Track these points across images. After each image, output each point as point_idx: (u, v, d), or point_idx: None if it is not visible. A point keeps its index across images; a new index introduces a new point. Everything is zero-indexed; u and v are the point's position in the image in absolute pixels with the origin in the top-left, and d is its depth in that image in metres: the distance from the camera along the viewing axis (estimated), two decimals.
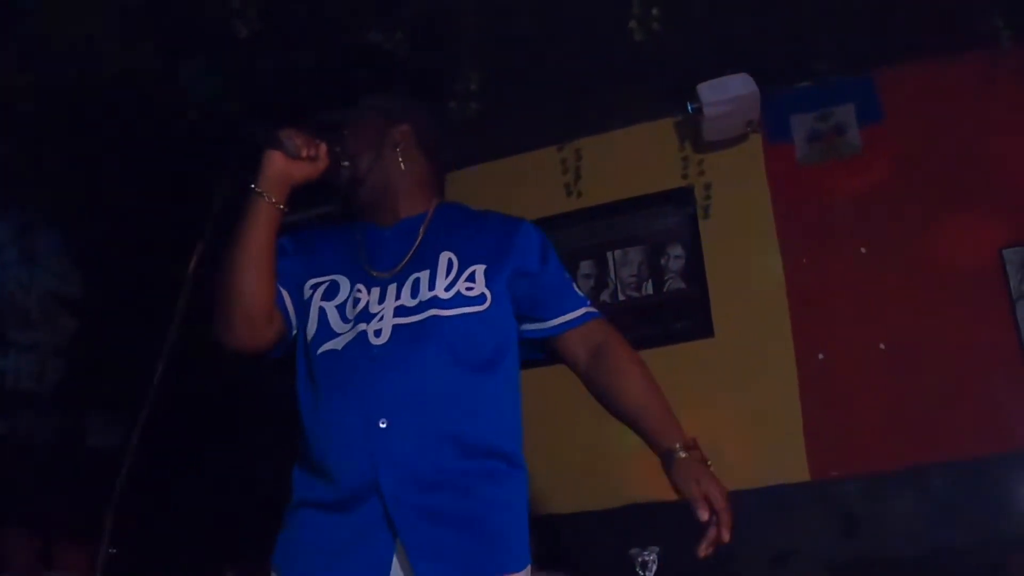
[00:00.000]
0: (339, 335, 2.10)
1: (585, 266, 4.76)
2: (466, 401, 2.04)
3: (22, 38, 3.80)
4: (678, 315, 4.58)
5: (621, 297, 4.69)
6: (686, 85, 4.39)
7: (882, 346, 4.21)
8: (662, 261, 4.66)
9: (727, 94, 4.24)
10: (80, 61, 3.90)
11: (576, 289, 2.23)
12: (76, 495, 4.24)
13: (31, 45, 3.83)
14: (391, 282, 2.13)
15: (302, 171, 2.14)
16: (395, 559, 1.96)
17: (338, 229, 2.35)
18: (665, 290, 4.64)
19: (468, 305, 2.09)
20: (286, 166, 2.12)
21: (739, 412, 4.32)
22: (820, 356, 4.31)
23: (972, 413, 4.02)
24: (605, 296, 4.69)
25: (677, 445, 2.02)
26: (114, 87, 4.01)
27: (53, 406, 5.03)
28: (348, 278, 2.17)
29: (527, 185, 4.93)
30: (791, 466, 4.23)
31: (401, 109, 2.35)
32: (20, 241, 5.14)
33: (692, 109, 4.35)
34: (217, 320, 2.11)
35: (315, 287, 2.18)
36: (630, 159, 4.78)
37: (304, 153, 2.12)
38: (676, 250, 4.64)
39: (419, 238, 2.21)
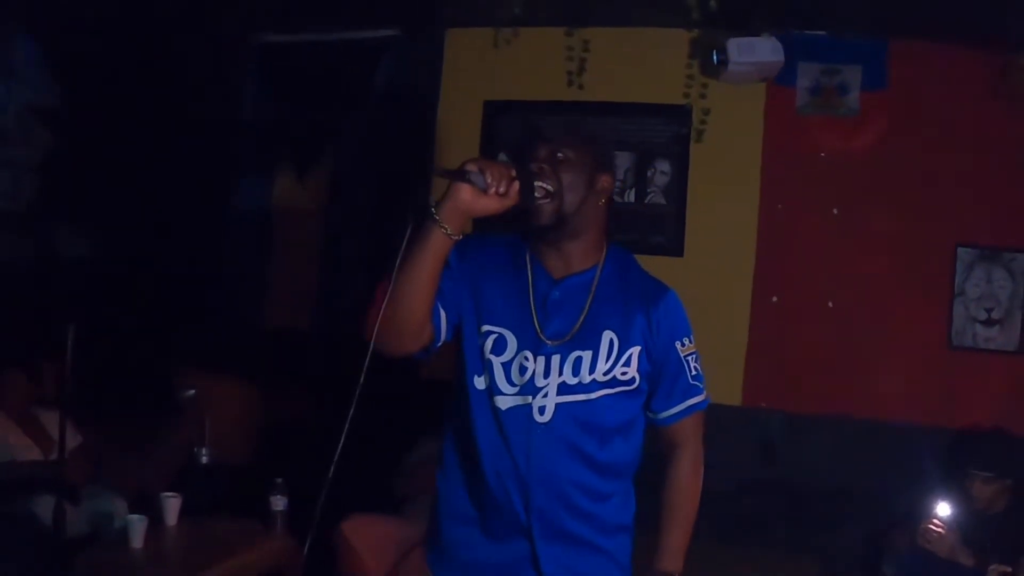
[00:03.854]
0: (504, 394, 2.26)
1: None
2: (605, 459, 2.30)
3: None
4: (654, 229, 4.83)
5: None
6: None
7: (830, 304, 4.64)
8: (648, 173, 4.85)
9: (754, 57, 4.39)
10: None
11: (688, 377, 2.37)
12: (52, 311, 4.15)
13: None
14: (555, 353, 2.24)
15: (487, 206, 2.13)
16: None
17: (505, 252, 2.37)
18: (646, 202, 4.85)
19: (621, 386, 2.27)
20: (471, 200, 2.11)
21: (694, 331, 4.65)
22: (774, 299, 4.70)
23: (893, 383, 4.54)
24: None
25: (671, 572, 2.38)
26: None
27: (28, 224, 4.83)
28: (516, 336, 2.26)
29: (530, 62, 4.95)
30: (726, 389, 4.62)
31: (606, 156, 2.39)
32: None
33: (717, 60, 4.47)
34: (370, 320, 2.20)
35: (487, 335, 2.27)
36: (636, 63, 4.86)
37: (493, 191, 2.10)
38: (663, 166, 4.83)
39: (587, 307, 2.27)
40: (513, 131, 4.93)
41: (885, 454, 4.46)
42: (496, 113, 5.00)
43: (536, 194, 2.19)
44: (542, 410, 2.23)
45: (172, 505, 4.17)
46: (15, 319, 4.54)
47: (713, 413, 4.50)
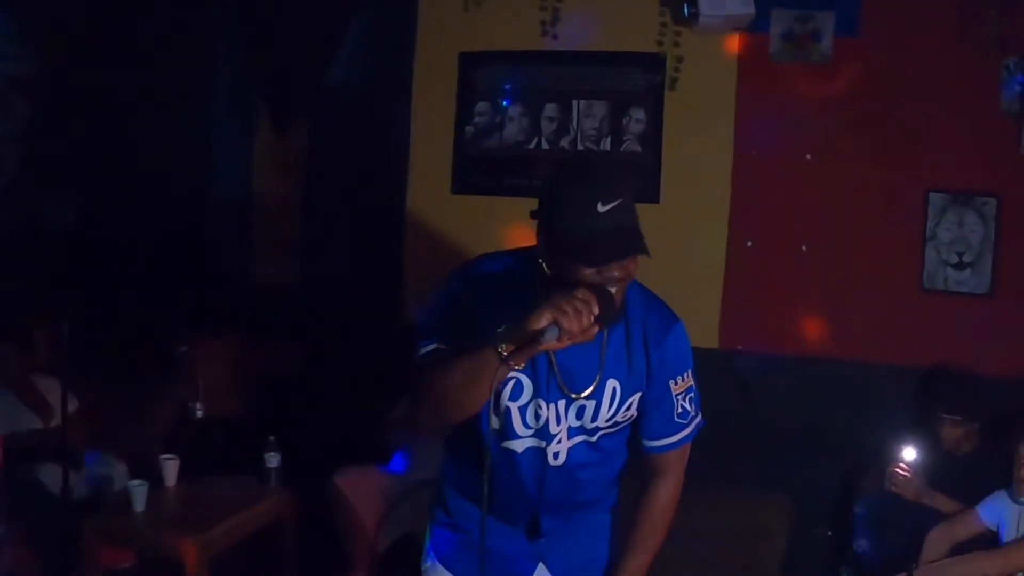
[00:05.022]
0: (520, 437, 2.30)
1: (550, 109, 4.93)
2: (595, 481, 2.42)
3: None
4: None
5: (580, 147, 4.93)
6: None
7: (804, 248, 4.72)
8: (623, 121, 4.88)
9: (724, 11, 4.39)
10: None
11: (675, 415, 2.33)
12: (40, 279, 4.23)
13: None
14: (563, 399, 2.26)
15: (559, 346, 2.02)
16: None
17: (518, 291, 2.17)
18: (622, 150, 4.89)
19: (621, 425, 2.35)
20: (552, 347, 2.00)
21: (668, 276, 4.65)
22: (749, 243, 4.78)
23: (866, 325, 4.66)
24: (565, 143, 4.93)
25: None
26: None
27: (11, 194, 4.84)
28: (531, 383, 2.24)
29: (502, 12, 4.95)
30: (704, 333, 4.73)
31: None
32: None
33: (688, 12, 4.48)
34: (420, 409, 2.23)
35: (506, 381, 2.20)
36: (609, 12, 4.86)
37: (579, 339, 1.98)
38: (638, 114, 4.86)
39: (601, 363, 2.24)
40: (489, 82, 5.00)
41: (857, 394, 4.61)
42: (471, 64, 5.02)
43: (615, 303, 2.06)
44: (556, 455, 2.30)
45: (171, 467, 4.35)
46: (4, 289, 4.63)
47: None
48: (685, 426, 2.36)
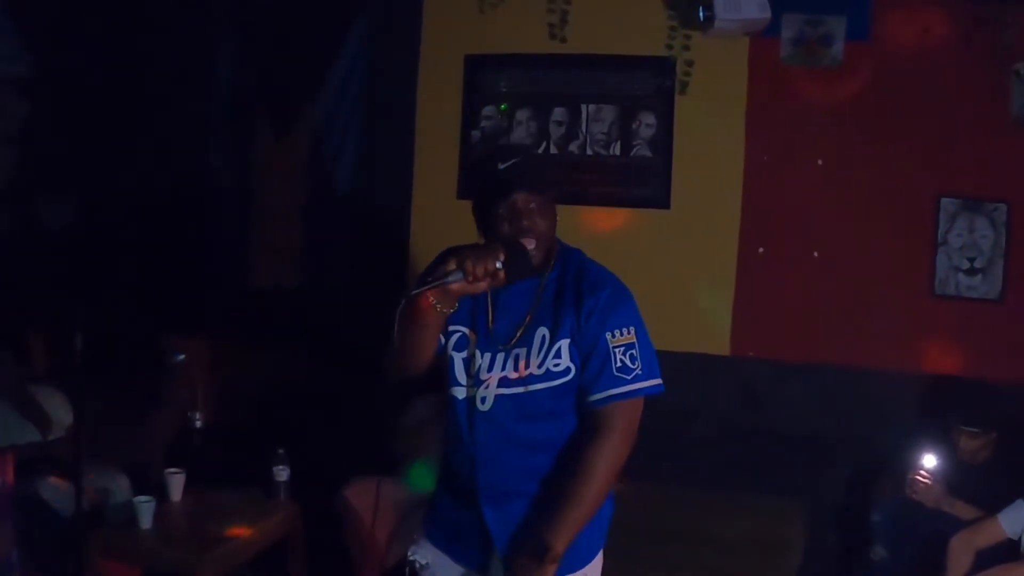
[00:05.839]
0: (461, 385, 2.51)
1: (558, 113, 4.87)
2: (549, 446, 2.49)
3: None
4: (641, 182, 4.84)
5: (589, 152, 4.87)
6: None
7: (816, 254, 4.71)
8: (633, 126, 4.83)
9: (740, 15, 4.35)
10: None
11: (613, 368, 2.41)
12: (36, 285, 4.08)
13: None
14: (500, 352, 2.47)
15: (479, 289, 2.28)
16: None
17: None
18: (632, 155, 4.84)
19: (556, 379, 2.44)
20: (461, 289, 2.25)
21: (680, 283, 4.78)
22: (760, 250, 4.75)
23: (877, 331, 4.65)
24: (574, 147, 4.87)
25: (548, 553, 2.34)
26: None
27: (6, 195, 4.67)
28: (473, 335, 2.49)
29: (510, 14, 4.88)
30: (715, 340, 4.78)
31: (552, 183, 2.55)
32: None
33: (703, 16, 4.43)
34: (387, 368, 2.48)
35: (451, 334, 2.50)
36: (619, 15, 4.81)
37: (481, 286, 2.25)
38: (648, 118, 4.81)
39: (533, 308, 2.47)
40: (496, 86, 4.93)
41: (869, 400, 4.61)
42: (478, 67, 4.94)
43: (529, 255, 2.34)
44: (483, 400, 2.46)
45: (177, 482, 4.22)
46: None
47: (702, 362, 4.73)
48: (627, 382, 2.42)
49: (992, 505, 3.89)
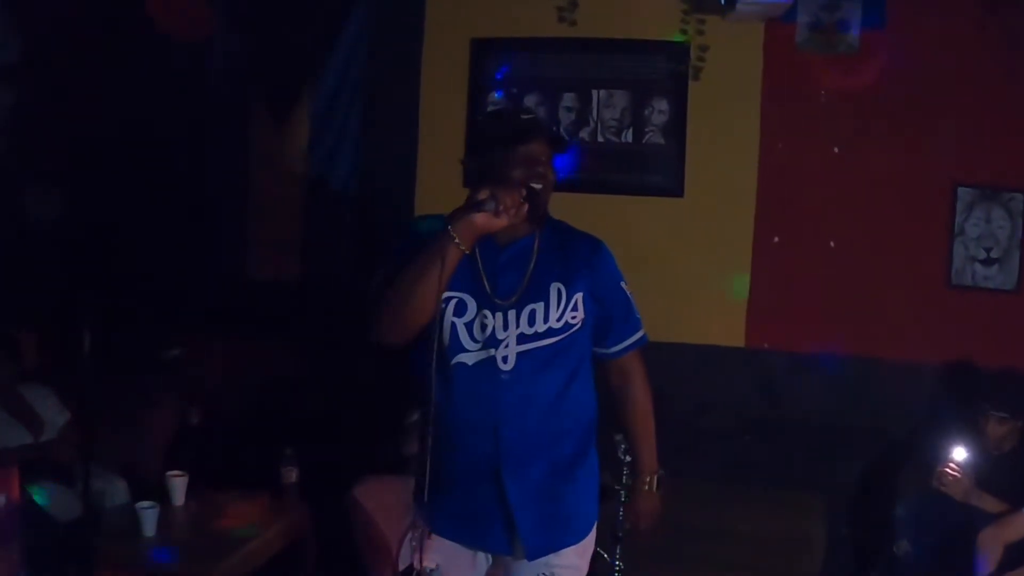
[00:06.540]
0: (469, 351, 2.49)
1: (568, 98, 4.74)
2: (566, 404, 2.54)
3: None
4: (653, 169, 4.74)
5: (600, 139, 4.75)
6: None
7: (832, 244, 4.64)
8: (646, 112, 4.71)
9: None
10: None
11: (635, 313, 2.67)
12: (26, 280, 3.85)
13: None
14: (511, 309, 2.49)
15: (498, 225, 2.34)
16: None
17: None
18: (644, 142, 4.72)
19: (570, 330, 2.53)
20: (486, 222, 2.31)
21: (694, 273, 4.69)
22: (775, 239, 4.68)
23: (893, 322, 4.59)
24: (584, 134, 4.74)
25: (658, 473, 2.77)
26: None
27: None
28: (475, 299, 2.50)
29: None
30: (730, 332, 4.69)
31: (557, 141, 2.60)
32: None
33: (724, 0, 4.31)
34: (379, 322, 2.43)
35: (447, 300, 2.47)
36: None
37: (508, 218, 2.31)
38: (661, 104, 4.70)
39: (531, 267, 2.53)
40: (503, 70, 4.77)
41: (884, 392, 4.57)
42: (484, 51, 4.78)
43: (541, 196, 2.42)
44: (505, 359, 2.47)
45: (179, 485, 3.99)
46: None
47: (718, 354, 4.64)
48: (639, 329, 2.69)
49: (1016, 495, 3.84)
